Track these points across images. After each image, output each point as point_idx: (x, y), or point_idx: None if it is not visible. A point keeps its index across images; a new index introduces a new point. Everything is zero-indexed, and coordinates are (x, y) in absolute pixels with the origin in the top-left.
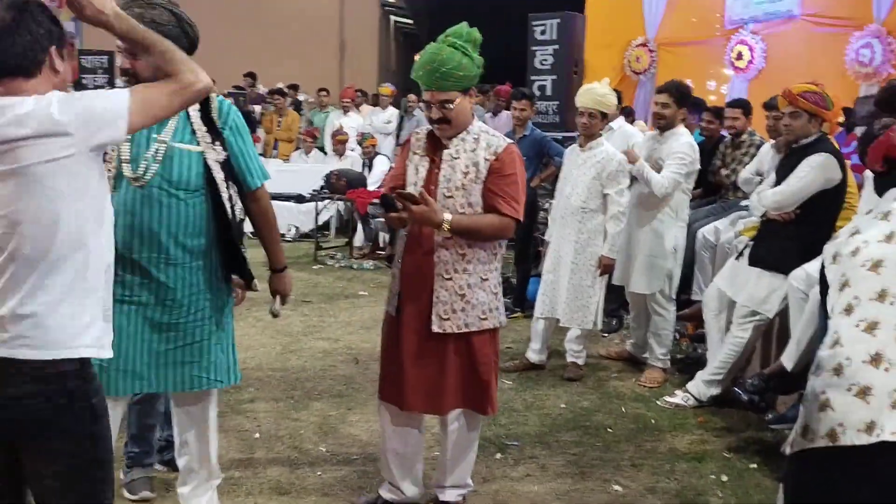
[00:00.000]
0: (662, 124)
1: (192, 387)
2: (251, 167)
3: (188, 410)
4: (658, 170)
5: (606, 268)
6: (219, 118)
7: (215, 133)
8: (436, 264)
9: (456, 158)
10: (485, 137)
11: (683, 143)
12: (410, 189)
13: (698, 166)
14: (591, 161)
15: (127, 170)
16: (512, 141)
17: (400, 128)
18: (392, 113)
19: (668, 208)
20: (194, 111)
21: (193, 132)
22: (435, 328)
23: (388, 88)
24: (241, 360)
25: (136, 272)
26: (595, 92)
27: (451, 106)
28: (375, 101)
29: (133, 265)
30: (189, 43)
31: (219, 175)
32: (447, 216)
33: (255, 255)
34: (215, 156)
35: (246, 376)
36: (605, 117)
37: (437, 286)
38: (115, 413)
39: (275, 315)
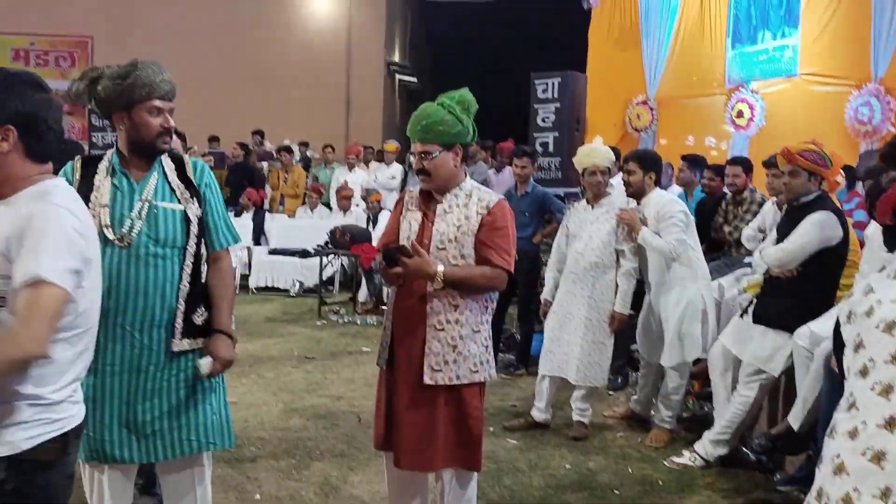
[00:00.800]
0: (631, 192)
1: (183, 451)
2: (223, 226)
3: (176, 480)
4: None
5: (620, 323)
6: (195, 176)
7: (193, 190)
8: (428, 315)
9: (448, 212)
10: (477, 193)
11: (666, 203)
12: (404, 243)
13: (692, 217)
14: (604, 217)
15: (109, 233)
16: (502, 196)
17: (404, 183)
18: (397, 169)
19: (684, 268)
20: (171, 170)
21: (173, 190)
22: (427, 380)
23: (392, 145)
24: (242, 419)
25: (118, 339)
26: (600, 150)
27: (432, 156)
28: (380, 157)
29: (115, 330)
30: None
31: (196, 231)
32: (440, 268)
33: (257, 310)
34: (195, 212)
35: (247, 435)
36: (610, 173)
37: (430, 337)
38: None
39: (200, 372)
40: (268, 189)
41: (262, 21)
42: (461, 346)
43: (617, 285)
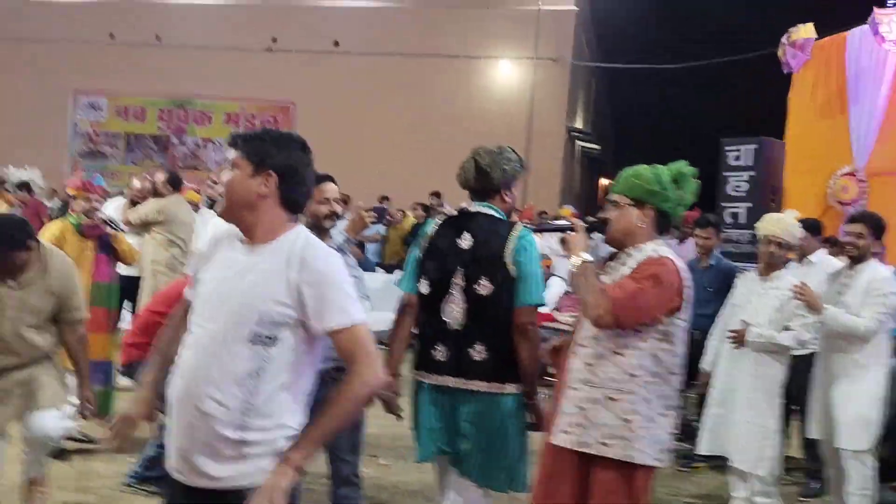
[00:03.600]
0: (855, 254)
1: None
2: None
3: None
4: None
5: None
6: None
7: None
8: (568, 372)
9: (614, 269)
10: (650, 252)
11: (883, 279)
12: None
13: None
14: (773, 292)
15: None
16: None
17: None
18: None
19: (870, 348)
20: None
21: None
22: (552, 438)
23: (568, 210)
24: None
25: None
26: (785, 221)
27: (615, 203)
28: None
29: None
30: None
31: None
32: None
33: None
34: None
35: None
36: (790, 248)
37: (564, 394)
38: None
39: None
40: None
41: (447, 87)
42: (590, 409)
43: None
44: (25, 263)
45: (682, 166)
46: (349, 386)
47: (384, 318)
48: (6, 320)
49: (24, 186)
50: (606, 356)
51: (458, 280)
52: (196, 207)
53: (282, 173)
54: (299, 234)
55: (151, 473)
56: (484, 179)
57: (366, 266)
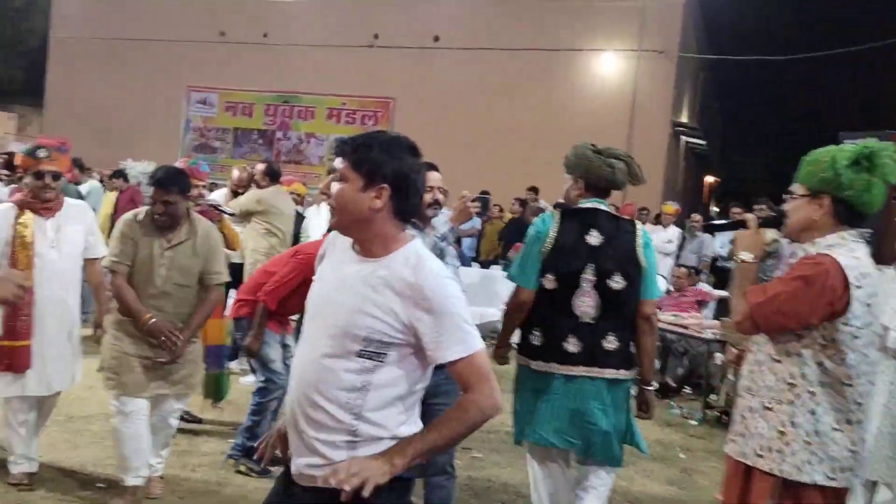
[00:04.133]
0: None
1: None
2: None
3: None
4: None
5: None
6: None
7: None
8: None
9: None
10: (825, 247)
11: None
12: None
13: None
14: None
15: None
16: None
17: (680, 248)
18: (674, 233)
19: None
20: None
21: None
22: (724, 447)
23: (671, 207)
24: None
25: None
26: None
27: (793, 197)
28: (657, 219)
29: None
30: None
31: None
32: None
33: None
34: None
35: None
36: None
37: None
38: None
39: None
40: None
41: (547, 81)
42: (749, 419)
43: None
44: (181, 218)
45: (870, 144)
46: (465, 411)
47: (479, 313)
48: (157, 278)
49: (120, 175)
50: (765, 363)
51: (589, 276)
52: (301, 200)
53: (395, 184)
54: (412, 251)
55: (252, 443)
56: (629, 181)
57: (462, 261)
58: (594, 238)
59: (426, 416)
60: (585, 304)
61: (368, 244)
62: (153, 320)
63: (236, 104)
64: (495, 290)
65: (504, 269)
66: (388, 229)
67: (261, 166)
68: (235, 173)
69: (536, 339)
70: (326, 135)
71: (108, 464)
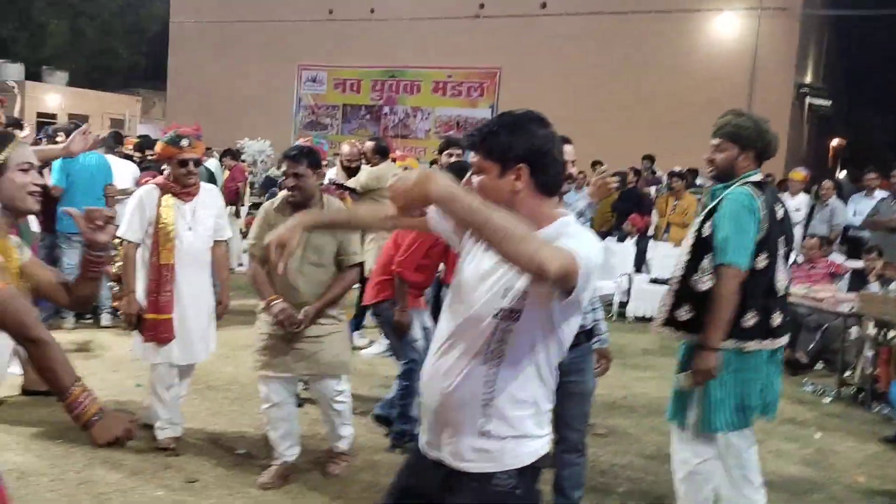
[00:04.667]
0: None
1: None
2: None
3: None
4: None
5: None
6: None
7: None
8: None
9: None
10: None
11: None
12: None
13: None
14: None
15: None
16: None
17: (810, 217)
18: (802, 200)
19: None
20: None
21: None
22: None
23: (800, 174)
24: None
25: None
26: None
27: None
28: (783, 186)
29: None
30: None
31: None
32: None
33: (633, 340)
34: None
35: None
36: None
37: None
38: None
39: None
40: (654, 215)
41: (663, 45)
42: None
43: None
44: (313, 196)
45: None
46: (533, 238)
47: (596, 286)
48: (291, 257)
49: (229, 153)
50: None
51: (781, 249)
52: None
53: (530, 160)
54: (562, 228)
55: (408, 427)
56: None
57: None
58: (780, 211)
59: (561, 395)
60: (782, 278)
61: None
62: (275, 303)
63: (344, 81)
64: (611, 263)
65: (618, 241)
66: (533, 206)
67: (370, 143)
68: (346, 148)
69: (750, 319)
70: (432, 108)
71: (246, 431)
